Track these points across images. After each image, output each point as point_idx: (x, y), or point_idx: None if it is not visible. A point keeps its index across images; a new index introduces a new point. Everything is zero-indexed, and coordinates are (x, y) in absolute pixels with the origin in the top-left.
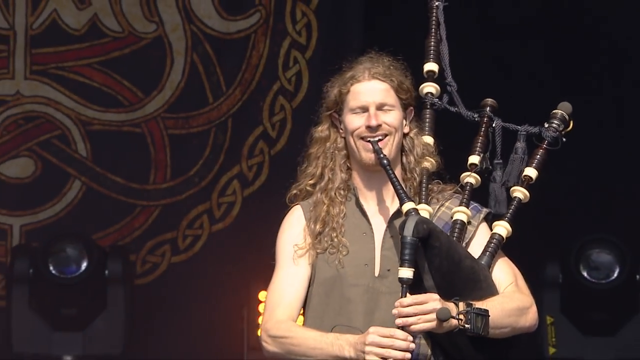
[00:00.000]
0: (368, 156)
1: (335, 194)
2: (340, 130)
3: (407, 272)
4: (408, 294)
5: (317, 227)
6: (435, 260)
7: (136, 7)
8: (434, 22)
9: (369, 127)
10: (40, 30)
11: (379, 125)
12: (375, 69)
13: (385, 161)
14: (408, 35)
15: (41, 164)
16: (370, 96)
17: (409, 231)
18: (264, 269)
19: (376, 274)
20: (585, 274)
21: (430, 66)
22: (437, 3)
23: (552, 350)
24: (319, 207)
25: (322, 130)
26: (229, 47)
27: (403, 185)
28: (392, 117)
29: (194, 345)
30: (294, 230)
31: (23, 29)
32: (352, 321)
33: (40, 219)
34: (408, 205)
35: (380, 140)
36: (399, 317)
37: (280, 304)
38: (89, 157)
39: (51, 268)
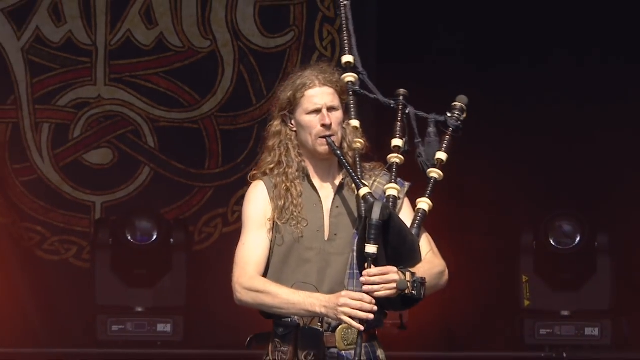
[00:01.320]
0: (323, 149)
1: (292, 176)
2: (291, 125)
3: (372, 249)
4: (372, 266)
5: (280, 203)
6: (389, 237)
7: (194, 27)
8: (344, 19)
9: (323, 125)
10: (117, 46)
11: (331, 124)
12: (324, 77)
13: (339, 152)
14: (414, 51)
15: (118, 153)
16: (322, 99)
17: (376, 215)
18: None
19: (326, 238)
20: (552, 241)
21: (347, 58)
22: (344, 2)
23: (527, 302)
24: (279, 187)
25: (276, 125)
26: (268, 60)
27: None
28: (338, 116)
29: None
30: (259, 201)
31: (103, 46)
32: (307, 277)
33: (117, 197)
34: (364, 191)
35: (332, 135)
36: (366, 285)
37: (251, 262)
38: (156, 148)
39: (128, 237)
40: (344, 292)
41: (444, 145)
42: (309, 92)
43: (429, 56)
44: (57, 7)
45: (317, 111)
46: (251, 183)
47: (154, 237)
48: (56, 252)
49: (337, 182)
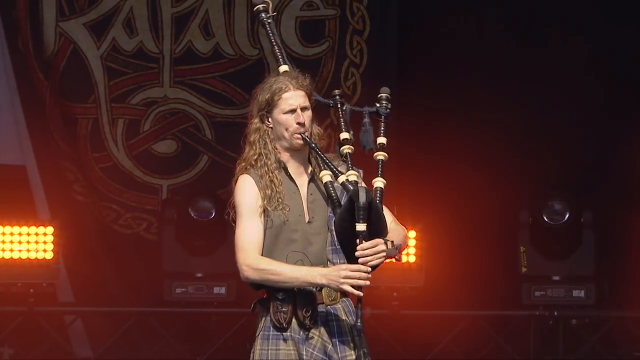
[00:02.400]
0: (298, 143)
1: (272, 167)
2: (267, 123)
3: (363, 227)
4: (364, 241)
5: (268, 191)
6: (371, 215)
7: (245, 38)
8: (270, 34)
9: (299, 123)
10: (180, 54)
11: (304, 122)
12: (297, 82)
13: (314, 145)
14: (434, 65)
15: (180, 144)
16: (296, 101)
17: (363, 199)
18: None
19: (306, 221)
20: (546, 218)
21: (284, 67)
22: (268, 21)
23: (524, 269)
24: (264, 178)
25: (255, 123)
26: (307, 66)
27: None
28: (309, 114)
29: None
30: (251, 191)
31: (169, 53)
32: (294, 255)
33: (180, 180)
34: (342, 178)
35: (306, 132)
36: (361, 257)
37: (253, 245)
38: (212, 139)
39: (190, 213)
40: (343, 265)
41: (382, 131)
42: (285, 95)
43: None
44: (130, 21)
45: (292, 111)
46: (241, 176)
47: (212, 214)
48: (129, 226)
49: (308, 172)
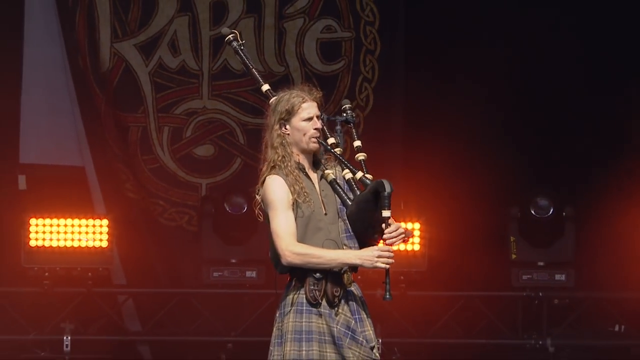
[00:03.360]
0: (314, 147)
1: (292, 167)
2: (285, 130)
3: (388, 213)
4: (389, 226)
5: (296, 187)
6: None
7: (272, 57)
8: (245, 59)
9: (316, 129)
10: (217, 71)
11: (320, 128)
12: (312, 94)
13: (329, 148)
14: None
15: (217, 148)
16: (313, 110)
17: (388, 189)
18: None
19: (324, 214)
20: (533, 212)
21: (265, 87)
22: (241, 48)
23: (514, 256)
24: (289, 177)
25: (276, 129)
26: (326, 80)
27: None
28: (320, 123)
29: None
30: (282, 188)
31: (207, 70)
32: (321, 241)
33: (217, 179)
34: (360, 174)
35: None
36: (390, 239)
37: (291, 234)
38: (245, 144)
39: (225, 208)
40: (374, 247)
41: (355, 135)
42: (304, 105)
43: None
44: (174, 43)
45: (310, 119)
46: (269, 177)
47: (244, 208)
48: (173, 219)
49: (317, 171)
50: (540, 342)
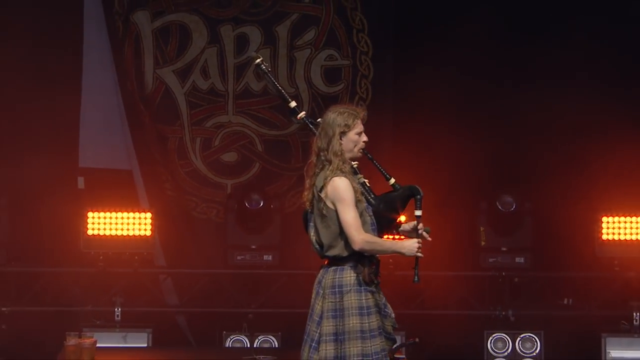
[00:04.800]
0: (360, 155)
1: (349, 171)
2: (341, 141)
3: (420, 212)
4: (421, 223)
5: (356, 186)
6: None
7: (285, 80)
8: (272, 80)
9: (364, 141)
10: (240, 92)
11: (367, 141)
12: (361, 113)
13: (370, 157)
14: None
15: (240, 155)
16: (362, 126)
17: (421, 192)
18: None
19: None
20: (499, 206)
21: (293, 104)
22: (268, 70)
23: (482, 243)
24: (350, 178)
25: (337, 139)
26: (329, 99)
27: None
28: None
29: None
30: (350, 188)
31: (232, 91)
32: (368, 232)
33: (240, 180)
34: (392, 180)
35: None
36: (423, 233)
37: (360, 225)
38: (263, 152)
39: (246, 204)
40: (414, 240)
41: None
42: (357, 121)
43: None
44: (205, 69)
45: (360, 133)
46: (337, 178)
47: (261, 204)
48: (204, 213)
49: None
50: (504, 313)
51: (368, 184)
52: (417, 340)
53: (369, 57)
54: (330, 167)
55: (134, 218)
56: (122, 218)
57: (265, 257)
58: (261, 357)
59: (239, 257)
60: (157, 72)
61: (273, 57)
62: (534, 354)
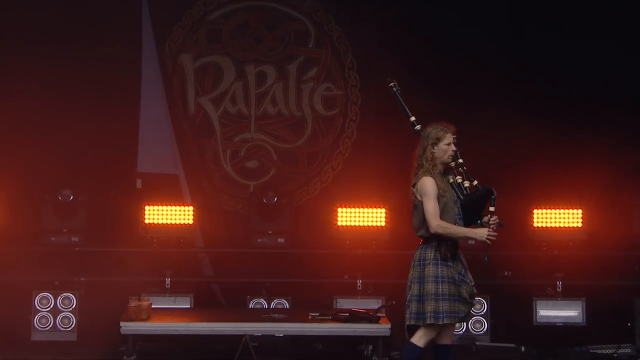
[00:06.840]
0: (449, 161)
1: (437, 174)
2: (433, 150)
3: (493, 208)
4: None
5: (442, 185)
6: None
7: (294, 105)
8: (400, 99)
9: (453, 151)
10: (260, 115)
11: (456, 150)
12: (452, 128)
13: (460, 162)
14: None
15: (260, 162)
16: (451, 139)
17: (495, 193)
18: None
19: (452, 203)
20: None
21: (413, 118)
22: (399, 91)
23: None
24: (436, 179)
25: (430, 149)
26: (327, 121)
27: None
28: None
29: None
30: (434, 186)
31: (254, 114)
32: (452, 221)
33: (260, 181)
34: (475, 182)
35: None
36: (493, 224)
37: (438, 214)
38: (277, 160)
39: (264, 200)
40: (485, 229)
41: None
42: (447, 134)
43: None
44: (234, 97)
45: (449, 144)
46: (425, 177)
47: (276, 199)
48: (232, 206)
49: (446, 177)
50: None
51: (463, 184)
52: (394, 302)
53: (357, 89)
54: (423, 170)
55: (179, 210)
56: (171, 210)
57: (279, 240)
58: (276, 315)
59: (259, 240)
60: (198, 100)
61: (285, 89)
62: (482, 313)
